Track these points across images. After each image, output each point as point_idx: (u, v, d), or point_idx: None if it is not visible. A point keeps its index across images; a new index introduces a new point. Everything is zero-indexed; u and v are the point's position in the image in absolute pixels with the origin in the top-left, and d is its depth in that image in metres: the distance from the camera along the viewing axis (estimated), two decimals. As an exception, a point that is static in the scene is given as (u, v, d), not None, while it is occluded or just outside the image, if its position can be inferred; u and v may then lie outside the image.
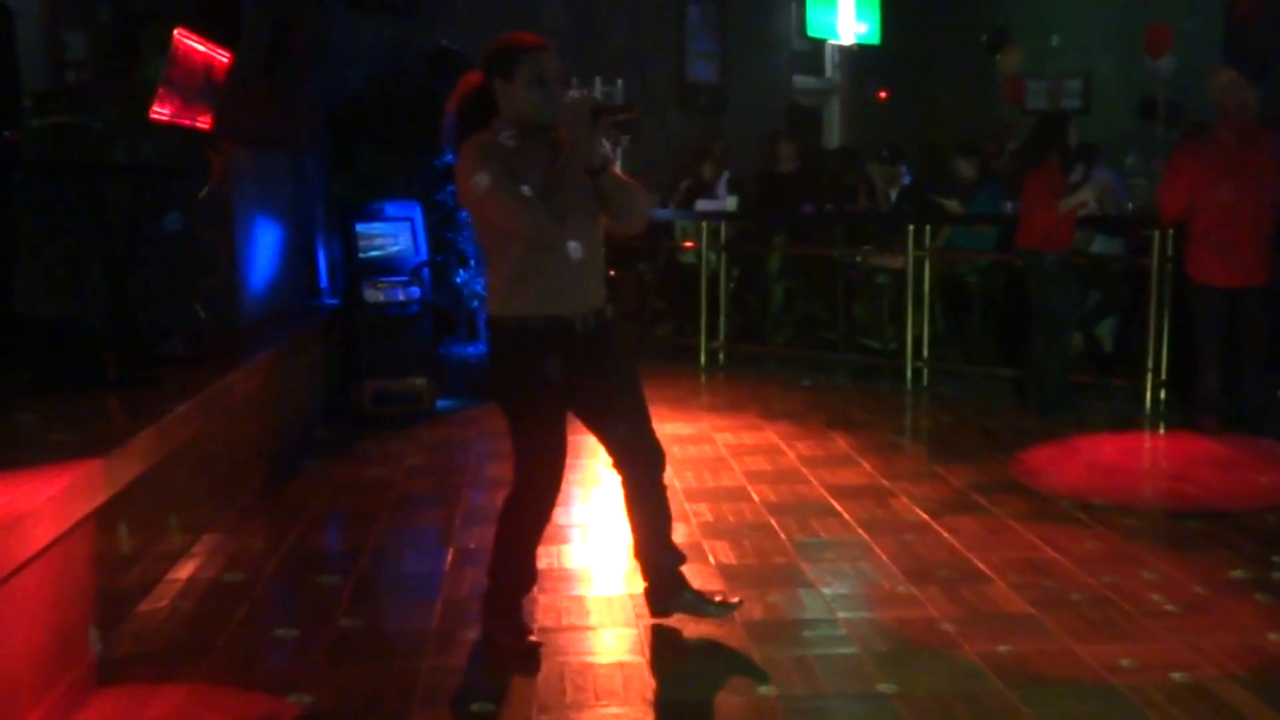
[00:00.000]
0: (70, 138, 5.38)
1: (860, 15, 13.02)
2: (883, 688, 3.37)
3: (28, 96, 5.34)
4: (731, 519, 4.99)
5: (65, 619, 3.23)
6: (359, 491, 5.51)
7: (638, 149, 8.99)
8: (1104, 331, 8.11)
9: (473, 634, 3.72)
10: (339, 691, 3.36)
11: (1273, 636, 3.72)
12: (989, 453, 6.14)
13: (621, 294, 8.58)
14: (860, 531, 4.80)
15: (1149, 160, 9.18)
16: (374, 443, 6.41)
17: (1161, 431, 6.78)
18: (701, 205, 9.56)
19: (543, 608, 3.96)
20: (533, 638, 3.65)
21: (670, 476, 3.92)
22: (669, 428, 6.36)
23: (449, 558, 4.53)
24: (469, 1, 9.06)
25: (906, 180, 9.96)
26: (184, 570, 4.36)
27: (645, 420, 3.68)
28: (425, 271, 7.29)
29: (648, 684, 3.42)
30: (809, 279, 9.73)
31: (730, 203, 9.66)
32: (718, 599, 3.86)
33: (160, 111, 4.87)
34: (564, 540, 4.66)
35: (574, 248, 3.40)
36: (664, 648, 3.68)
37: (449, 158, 7.48)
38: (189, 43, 5.06)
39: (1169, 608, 3.96)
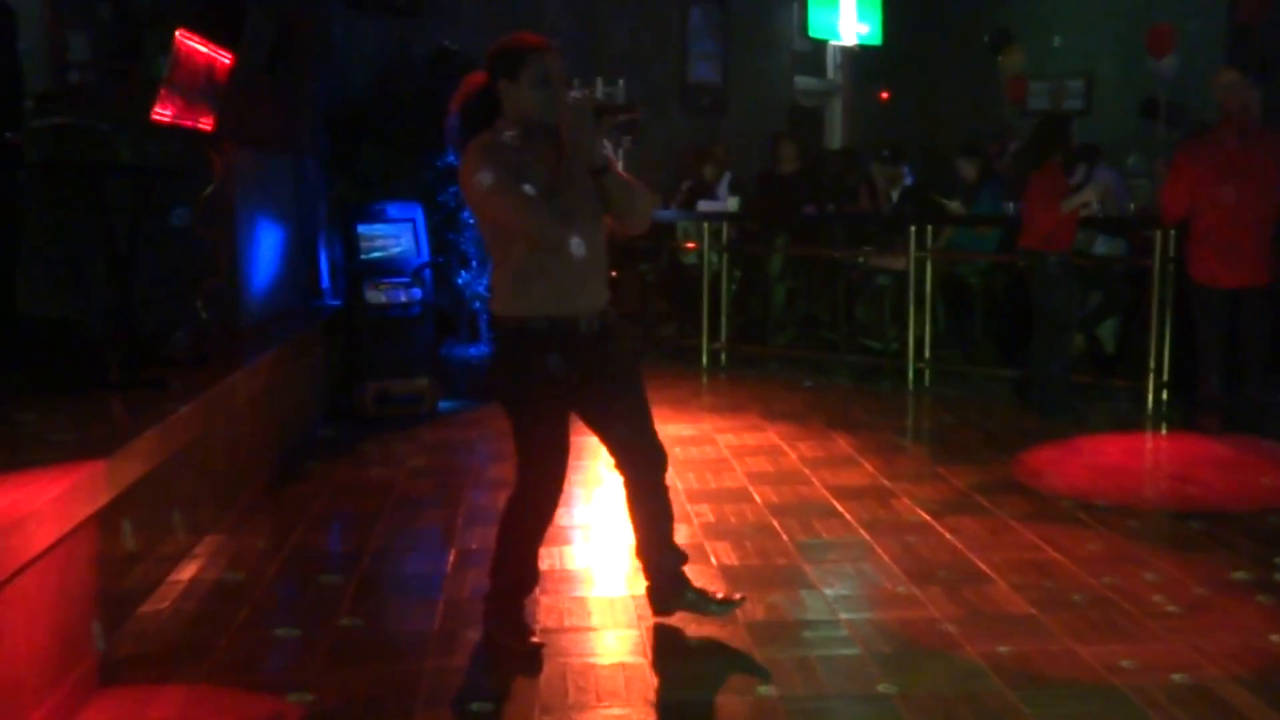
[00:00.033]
0: (73, 139, 5.38)
1: (862, 16, 13.01)
2: (884, 688, 3.37)
3: (30, 97, 5.34)
4: (733, 520, 4.99)
5: (67, 620, 3.23)
6: (361, 492, 5.51)
7: (639, 149, 8.99)
8: (1106, 332, 8.11)
9: (475, 635, 3.72)
10: (341, 692, 3.36)
11: (1274, 637, 3.71)
12: (990, 453, 6.14)
13: (623, 294, 8.58)
14: (862, 532, 4.80)
15: (1151, 161, 9.16)
16: (376, 444, 6.42)
17: (1163, 432, 6.78)
18: (703, 206, 9.56)
19: (545, 608, 3.96)
20: (535, 639, 3.65)
21: (672, 477, 3.92)
22: (671, 428, 6.36)
23: (451, 559, 4.53)
24: (471, 2, 9.07)
25: (908, 181, 9.96)
26: (186, 571, 4.36)
27: (647, 421, 3.68)
28: (427, 273, 7.29)
29: (650, 685, 3.42)
30: (810, 280, 9.73)
31: (732, 203, 9.67)
32: (720, 596, 3.87)
33: (162, 112, 4.87)
34: (566, 541, 4.66)
35: (576, 244, 3.40)
36: (666, 649, 3.68)
37: (451, 158, 7.50)
38: (191, 44, 5.06)
39: (1170, 608, 3.96)
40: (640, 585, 3.91)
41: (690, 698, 3.37)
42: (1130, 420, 6.97)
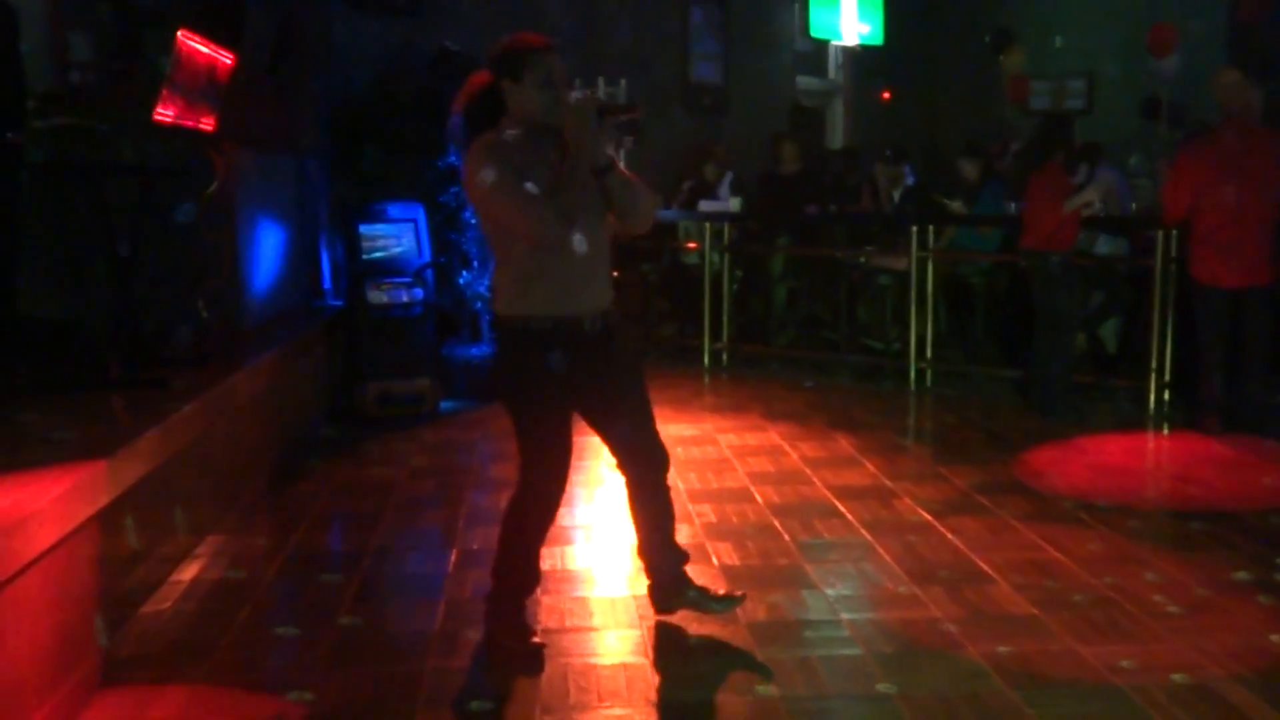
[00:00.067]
0: (74, 139, 5.39)
1: (863, 16, 13.02)
2: (885, 688, 3.37)
3: (32, 98, 5.35)
4: (735, 520, 4.99)
5: (69, 620, 3.23)
6: (362, 493, 5.51)
7: (640, 150, 8.99)
8: (1107, 332, 8.10)
9: (476, 635, 3.72)
10: (342, 692, 3.36)
11: (1275, 638, 3.71)
12: (992, 453, 6.14)
13: (625, 295, 8.58)
14: (863, 532, 4.80)
15: (1153, 161, 9.16)
16: (377, 444, 6.42)
17: (1165, 432, 6.77)
18: (705, 206, 9.56)
19: (546, 609, 3.96)
20: (536, 639, 3.66)
21: (673, 477, 3.92)
22: (672, 429, 6.36)
23: (452, 559, 4.54)
24: (472, 2, 9.07)
25: (910, 181, 9.95)
26: (188, 571, 4.37)
27: (649, 421, 3.68)
28: (429, 273, 7.30)
29: (651, 685, 3.42)
30: (812, 280, 9.73)
31: (733, 204, 9.66)
32: (721, 593, 3.88)
33: (164, 113, 4.87)
34: (568, 541, 4.66)
35: (579, 239, 3.39)
36: (668, 649, 3.68)
37: (452, 159, 7.50)
38: (192, 44, 5.06)
39: (1172, 609, 3.96)
40: (642, 585, 3.91)
41: (692, 698, 3.37)
42: (1132, 420, 6.96)
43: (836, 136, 13.60)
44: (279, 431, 5.92)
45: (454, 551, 4.61)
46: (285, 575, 4.38)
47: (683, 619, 3.83)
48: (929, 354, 8.04)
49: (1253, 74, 6.58)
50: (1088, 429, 6.67)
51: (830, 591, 4.14)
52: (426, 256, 7.33)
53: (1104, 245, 7.97)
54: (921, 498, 5.27)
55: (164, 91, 4.84)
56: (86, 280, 5.47)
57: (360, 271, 7.21)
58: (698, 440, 6.43)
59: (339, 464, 6.04)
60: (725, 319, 8.91)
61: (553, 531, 3.75)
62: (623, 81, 8.81)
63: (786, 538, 4.74)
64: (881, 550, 4.57)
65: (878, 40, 13.31)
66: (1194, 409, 6.61)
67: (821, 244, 9.62)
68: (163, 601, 4.07)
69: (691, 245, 9.58)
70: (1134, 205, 8.49)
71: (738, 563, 4.45)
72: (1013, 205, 7.99)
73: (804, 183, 9.77)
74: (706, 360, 8.85)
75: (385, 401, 7.03)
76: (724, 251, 9.01)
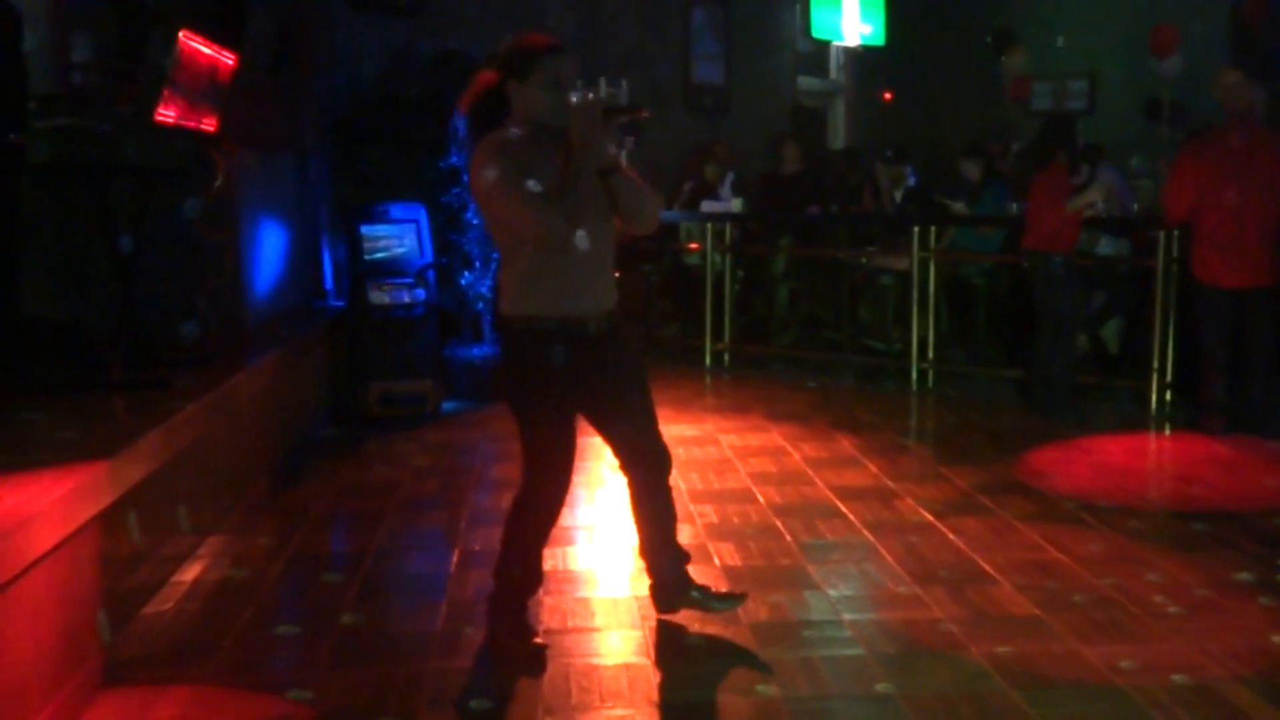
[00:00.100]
0: (76, 140, 5.38)
1: (865, 16, 13.01)
2: (887, 689, 3.37)
3: (34, 99, 5.35)
4: (737, 520, 4.99)
5: (71, 621, 3.24)
6: (364, 493, 5.52)
7: (641, 150, 8.98)
8: (1109, 333, 8.10)
9: (478, 635, 3.72)
10: (344, 692, 3.37)
11: (1277, 638, 3.71)
12: (994, 454, 6.14)
13: (626, 295, 8.57)
14: (865, 533, 4.80)
15: (1154, 161, 9.16)
16: (379, 444, 6.42)
17: (1167, 433, 6.77)
18: (706, 206, 9.56)
19: (548, 609, 3.96)
20: (538, 639, 3.66)
21: (675, 478, 3.92)
22: (674, 429, 6.36)
23: (454, 559, 4.54)
24: (474, 3, 9.07)
25: (912, 181, 9.95)
26: (190, 571, 4.37)
27: (652, 422, 3.68)
28: (430, 273, 7.30)
29: (653, 685, 3.42)
30: (814, 280, 9.73)
31: (735, 204, 9.66)
32: (722, 592, 3.88)
33: (166, 113, 4.88)
34: (570, 542, 4.66)
35: (581, 236, 3.38)
36: (669, 649, 3.69)
37: (454, 159, 7.50)
38: (194, 44, 5.06)
39: (1174, 609, 3.96)
40: (643, 585, 3.91)
41: (693, 698, 3.37)
42: (1134, 421, 6.96)
43: (838, 137, 13.60)
44: (281, 432, 5.92)
45: (456, 552, 4.62)
46: (287, 575, 4.39)
47: (685, 619, 3.83)
48: (931, 354, 8.04)
49: (1255, 74, 6.57)
50: (1089, 429, 6.67)
51: (832, 592, 4.14)
52: (428, 257, 7.33)
53: (1106, 246, 7.98)
54: (923, 498, 5.27)
55: (165, 92, 4.84)
56: (88, 281, 5.46)
57: (362, 272, 7.21)
58: (699, 441, 6.43)
59: (341, 464, 6.05)
60: (727, 319, 8.90)
61: (555, 532, 3.75)
62: (624, 82, 8.80)
63: (788, 538, 4.74)
64: (883, 550, 4.57)
65: (879, 41, 13.31)
66: (1196, 410, 6.61)
67: (823, 244, 9.62)
68: (165, 601, 4.07)
69: (693, 246, 9.57)
70: (1136, 206, 8.49)
71: (739, 563, 4.45)
72: (1014, 206, 7.98)
73: (805, 183, 9.77)
74: (708, 361, 8.85)
75: (387, 402, 7.03)
76: (725, 252, 9.01)
